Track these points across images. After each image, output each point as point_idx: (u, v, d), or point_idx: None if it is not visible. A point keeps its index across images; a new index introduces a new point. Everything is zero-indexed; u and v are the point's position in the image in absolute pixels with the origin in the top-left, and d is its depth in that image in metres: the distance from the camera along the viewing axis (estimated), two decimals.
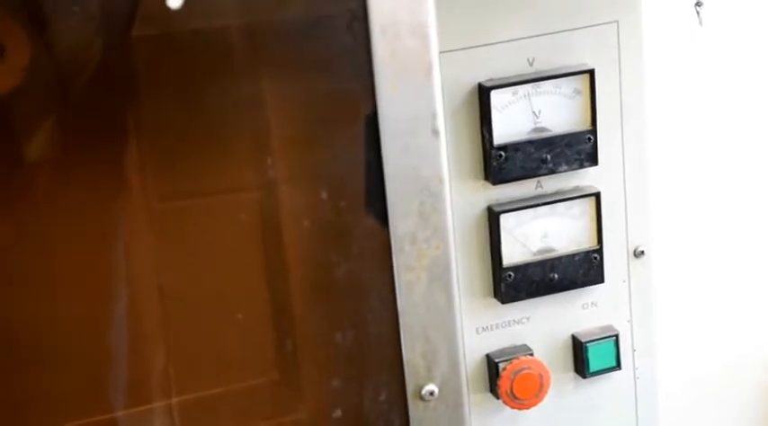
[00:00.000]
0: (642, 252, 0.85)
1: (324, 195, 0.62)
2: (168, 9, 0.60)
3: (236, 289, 0.69)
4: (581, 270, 0.83)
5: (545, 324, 0.83)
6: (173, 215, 0.69)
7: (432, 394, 0.65)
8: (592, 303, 0.84)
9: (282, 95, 0.63)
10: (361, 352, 0.64)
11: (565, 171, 0.80)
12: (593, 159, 0.81)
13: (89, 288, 0.73)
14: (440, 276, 0.63)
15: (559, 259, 0.82)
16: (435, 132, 0.62)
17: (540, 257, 0.81)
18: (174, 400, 0.73)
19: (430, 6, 0.60)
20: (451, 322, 0.64)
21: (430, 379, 0.65)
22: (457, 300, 0.64)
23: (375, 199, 0.61)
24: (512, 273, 0.80)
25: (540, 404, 0.83)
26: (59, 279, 0.72)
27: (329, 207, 0.62)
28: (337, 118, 0.62)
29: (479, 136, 0.78)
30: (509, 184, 0.79)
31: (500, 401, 0.82)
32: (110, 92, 0.67)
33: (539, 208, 0.80)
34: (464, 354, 0.80)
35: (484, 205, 0.80)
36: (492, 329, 0.82)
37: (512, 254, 0.80)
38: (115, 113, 0.68)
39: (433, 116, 0.62)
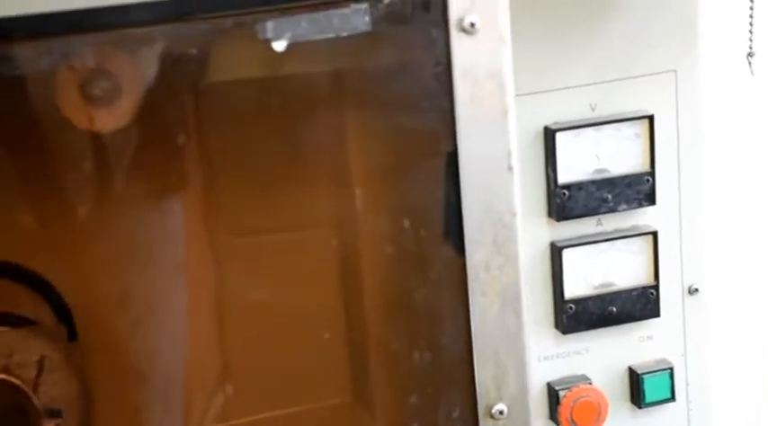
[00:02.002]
0: (696, 289, 0.89)
1: (406, 224, 0.67)
2: (267, 53, 0.66)
3: (320, 310, 0.74)
4: (638, 304, 0.87)
5: (603, 356, 0.87)
6: (264, 244, 0.75)
7: (501, 413, 0.69)
8: (648, 336, 0.88)
9: (370, 132, 0.69)
10: (437, 372, 0.69)
11: (624, 209, 0.85)
12: (651, 199, 0.85)
13: (174, 311, 0.78)
14: (511, 302, 0.68)
15: (618, 293, 0.86)
16: (510, 169, 0.67)
17: (599, 291, 0.86)
18: (256, 417, 0.78)
19: (507, 55, 0.65)
20: (520, 345, 0.69)
21: (499, 399, 0.69)
22: (526, 325, 0.69)
23: (452, 229, 0.66)
24: (573, 306, 0.85)
25: None
26: (141, 304, 0.77)
27: (411, 235, 0.68)
28: (420, 153, 0.67)
29: (545, 175, 0.83)
30: (571, 221, 0.84)
31: None
32: (201, 130, 0.73)
33: (599, 245, 0.85)
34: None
35: (548, 240, 0.85)
36: (553, 358, 0.86)
37: (573, 288, 0.85)
38: (207, 151, 0.74)
39: (508, 154, 0.67)
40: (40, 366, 0.63)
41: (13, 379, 0.62)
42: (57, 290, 0.74)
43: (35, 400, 0.62)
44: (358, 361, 0.75)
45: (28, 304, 0.70)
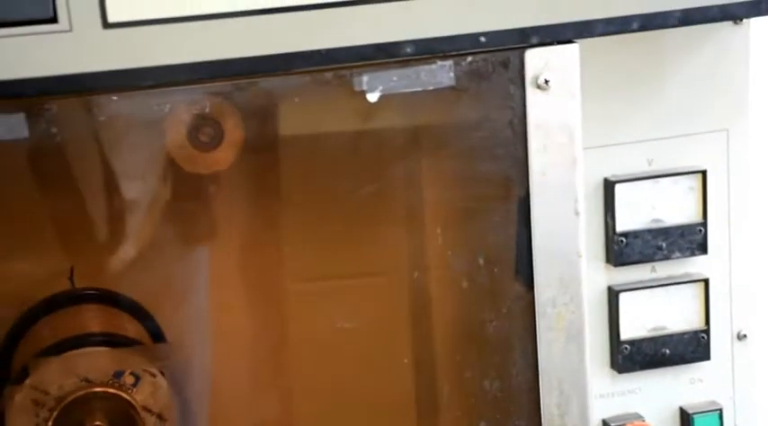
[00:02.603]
0: (745, 335, 0.94)
1: (481, 261, 0.74)
2: (356, 105, 0.73)
3: (392, 343, 0.80)
4: (690, 347, 0.92)
5: (656, 395, 0.92)
6: (340, 287, 0.81)
7: None
8: (698, 378, 0.93)
9: (448, 177, 0.75)
10: (505, 400, 0.75)
11: (678, 257, 0.90)
12: (703, 248, 0.91)
13: (247, 346, 0.84)
14: (575, 337, 0.74)
15: (671, 336, 0.91)
16: (577, 214, 0.73)
17: (653, 334, 0.91)
18: None
19: (577, 109, 0.72)
20: (583, 377, 0.74)
21: None
22: (588, 359, 0.74)
23: (523, 267, 0.73)
24: (628, 346, 0.90)
25: None
26: (221, 334, 0.83)
27: (485, 272, 0.74)
28: (495, 197, 0.73)
29: (604, 223, 0.89)
30: (628, 267, 0.90)
31: None
32: (287, 177, 0.80)
33: (654, 290, 0.91)
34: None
35: (605, 284, 0.90)
36: (609, 396, 0.92)
37: (629, 330, 0.90)
38: (291, 197, 0.80)
39: (576, 200, 0.73)
40: (138, 377, 0.69)
41: (122, 394, 0.68)
42: (151, 315, 0.81)
43: (142, 414, 0.68)
44: (429, 390, 0.81)
45: (131, 327, 0.77)
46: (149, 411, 0.70)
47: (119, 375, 0.70)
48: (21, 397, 0.66)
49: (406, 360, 0.77)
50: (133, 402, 0.68)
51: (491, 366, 0.75)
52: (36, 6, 0.60)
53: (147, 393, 0.69)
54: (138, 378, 0.70)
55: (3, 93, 0.60)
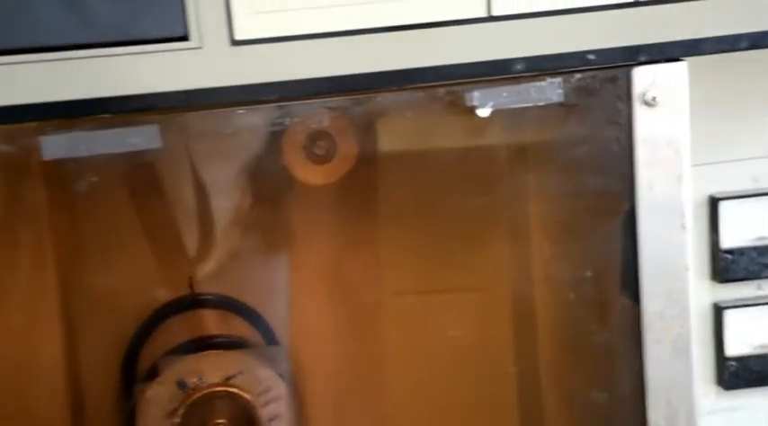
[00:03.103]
0: None
1: (588, 273, 0.75)
2: (466, 121, 0.75)
3: (495, 352, 0.82)
4: None
5: (762, 412, 0.92)
6: (444, 301, 0.83)
7: None
8: None
9: (556, 192, 0.77)
10: (612, 410, 0.76)
11: None
12: None
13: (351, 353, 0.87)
14: (682, 350, 0.75)
15: None
16: (683, 227, 0.74)
17: (759, 351, 0.91)
18: None
19: (685, 125, 0.73)
20: (689, 389, 0.75)
21: None
22: (695, 372, 0.75)
23: (629, 280, 0.74)
24: (734, 363, 0.90)
25: None
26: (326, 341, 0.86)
27: (592, 283, 0.75)
28: (601, 211, 0.75)
29: (709, 239, 0.90)
30: (733, 284, 0.90)
31: None
32: (394, 191, 0.82)
33: (760, 307, 0.91)
34: None
35: (710, 301, 0.91)
36: (714, 413, 0.92)
37: (734, 346, 0.90)
38: (396, 211, 0.83)
39: (682, 214, 0.74)
40: (264, 383, 0.72)
41: (243, 394, 0.71)
42: (265, 320, 0.85)
43: (260, 413, 0.72)
44: (533, 400, 0.82)
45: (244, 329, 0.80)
46: (267, 412, 0.72)
47: (240, 375, 0.73)
48: (152, 393, 0.70)
49: (511, 370, 0.79)
50: (253, 402, 0.71)
51: (597, 377, 0.76)
52: (169, 25, 0.64)
53: (266, 395, 0.72)
54: (258, 380, 0.73)
55: (138, 106, 0.64)
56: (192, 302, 0.82)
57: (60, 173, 0.72)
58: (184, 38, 0.65)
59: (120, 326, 0.80)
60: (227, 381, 0.71)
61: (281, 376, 0.73)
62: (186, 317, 0.82)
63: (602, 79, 0.72)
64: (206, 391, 0.70)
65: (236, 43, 0.65)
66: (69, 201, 0.74)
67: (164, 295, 0.80)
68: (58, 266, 0.77)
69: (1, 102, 0.62)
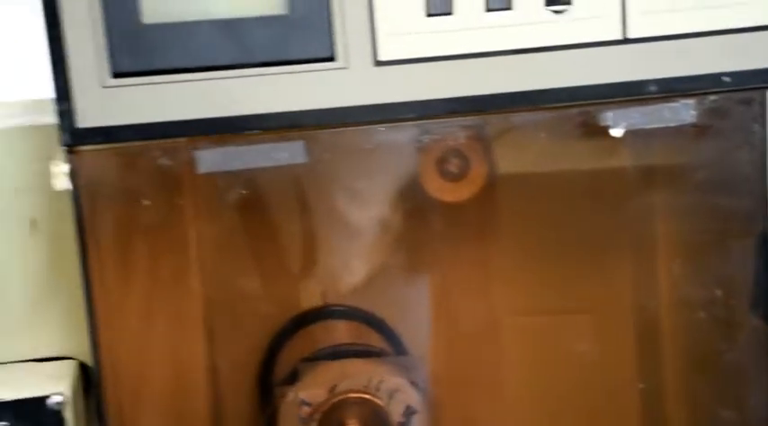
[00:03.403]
0: None
1: (718, 293, 0.76)
2: (598, 142, 0.77)
3: (629, 366, 0.83)
4: None
5: None
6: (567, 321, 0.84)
7: None
8: None
9: (686, 212, 0.78)
10: None
11: None
12: None
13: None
14: None
15: None
16: None
17: None
18: None
19: None
20: None
21: None
22: None
23: (761, 299, 0.74)
24: None
25: None
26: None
27: (721, 303, 0.76)
28: (732, 232, 0.76)
29: None
30: None
31: None
32: (522, 210, 0.84)
33: None
34: None
35: None
36: None
37: None
38: (521, 229, 0.84)
39: None
40: (395, 391, 0.75)
41: (377, 401, 0.74)
42: (394, 331, 0.87)
43: (394, 421, 0.74)
44: (661, 417, 0.83)
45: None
46: (401, 420, 0.75)
47: (374, 384, 0.76)
48: (292, 396, 0.73)
49: (641, 386, 0.80)
50: (387, 410, 0.74)
51: (726, 395, 0.76)
52: (318, 47, 0.67)
53: (400, 404, 0.75)
54: (393, 388, 0.75)
55: (286, 123, 0.68)
56: (326, 313, 0.85)
57: (208, 186, 0.76)
58: (331, 58, 0.68)
59: (258, 333, 0.84)
60: (363, 389, 0.74)
61: (415, 385, 0.76)
62: (318, 327, 0.86)
63: (737, 101, 0.72)
64: (342, 397, 0.73)
65: (379, 63, 0.68)
66: (215, 212, 0.78)
67: (299, 305, 0.84)
68: (203, 273, 0.81)
69: (160, 118, 0.66)
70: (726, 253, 0.76)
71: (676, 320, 0.80)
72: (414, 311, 0.86)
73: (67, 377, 0.75)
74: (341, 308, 0.87)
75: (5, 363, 0.77)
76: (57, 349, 0.78)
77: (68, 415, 0.73)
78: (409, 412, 0.75)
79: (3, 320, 0.76)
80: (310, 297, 0.85)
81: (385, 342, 0.86)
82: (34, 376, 0.76)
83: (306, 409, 0.73)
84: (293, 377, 0.76)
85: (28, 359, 0.78)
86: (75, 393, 0.75)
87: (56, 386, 0.74)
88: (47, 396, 0.73)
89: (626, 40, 0.70)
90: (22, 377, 0.76)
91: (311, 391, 0.73)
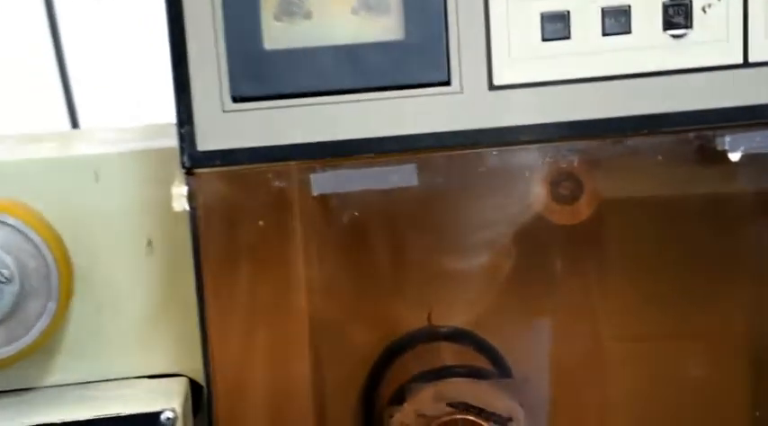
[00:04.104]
0: None
1: None
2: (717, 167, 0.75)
3: (742, 394, 0.81)
4: None
5: None
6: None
7: None
8: None
9: None
10: None
11: None
12: None
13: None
14: None
15: None
16: None
17: None
18: None
19: None
20: None
21: None
22: None
23: None
24: None
25: None
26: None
27: None
28: None
29: None
30: None
31: None
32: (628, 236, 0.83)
33: None
34: None
35: None
36: None
37: None
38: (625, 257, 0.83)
39: None
40: (508, 417, 0.75)
41: (483, 423, 0.74)
42: (501, 355, 0.87)
43: None
44: None
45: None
46: None
47: (481, 411, 0.76)
48: (400, 416, 0.74)
49: (757, 413, 0.78)
50: None
51: None
52: (435, 72, 0.67)
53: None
54: (500, 418, 0.75)
55: (401, 146, 0.68)
56: (430, 334, 0.85)
57: (318, 208, 0.77)
58: (446, 83, 0.68)
59: (363, 355, 0.85)
60: (471, 412, 0.74)
61: (522, 407, 0.75)
62: (423, 350, 0.86)
63: None
64: (447, 419, 0.73)
65: (494, 88, 0.68)
66: (325, 234, 0.79)
67: (406, 326, 0.84)
68: (309, 292, 0.81)
69: (277, 142, 0.67)
70: None
71: None
72: (522, 335, 0.86)
73: (179, 393, 0.77)
74: (447, 330, 0.87)
75: (121, 379, 0.79)
76: (169, 366, 0.80)
77: None
78: None
79: (119, 337, 0.78)
80: (417, 320, 0.85)
81: (491, 365, 0.86)
82: (148, 391, 0.77)
83: (420, 420, 0.73)
84: (400, 397, 0.76)
85: (142, 375, 0.79)
86: (185, 409, 0.77)
87: (168, 402, 0.75)
88: (160, 412, 0.74)
89: (747, 64, 0.69)
90: (136, 393, 0.77)
91: (419, 410, 0.74)
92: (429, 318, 0.87)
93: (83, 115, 1.42)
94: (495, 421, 0.73)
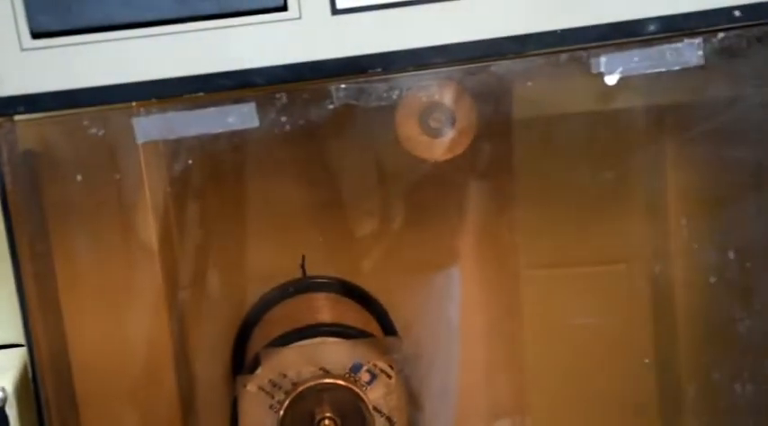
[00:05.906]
0: None
1: (731, 255, 0.68)
2: (594, 88, 0.69)
3: (630, 339, 0.76)
4: None
5: None
6: (575, 275, 0.77)
7: None
8: None
9: (694, 164, 0.70)
10: (760, 404, 0.69)
11: None
12: None
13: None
14: None
15: None
16: None
17: None
18: None
19: None
20: None
21: None
22: None
23: None
24: None
25: None
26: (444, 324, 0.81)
27: (735, 266, 0.68)
28: (747, 186, 0.68)
29: None
30: None
31: None
32: (521, 162, 0.76)
33: None
34: None
35: None
36: None
37: None
38: (523, 182, 0.77)
39: None
40: (374, 375, 0.68)
41: (355, 389, 0.67)
42: (383, 307, 0.80)
43: (370, 407, 0.67)
44: (673, 391, 0.76)
45: (360, 318, 0.76)
46: (379, 411, 0.68)
47: (356, 369, 0.69)
48: (252, 387, 0.66)
49: (647, 360, 0.73)
50: (365, 399, 0.67)
51: (743, 367, 0.69)
52: None
53: (380, 393, 0.68)
54: (373, 377, 0.69)
55: (235, 82, 0.60)
56: (305, 286, 0.78)
57: (156, 156, 0.69)
58: (282, 8, 0.60)
59: (229, 315, 0.77)
60: (341, 374, 0.67)
61: (393, 367, 0.69)
62: (301, 302, 0.79)
63: (750, 38, 0.64)
64: (311, 384, 0.66)
65: (337, 11, 0.60)
66: (167, 185, 0.71)
67: (274, 279, 0.77)
68: (165, 252, 0.74)
69: (90, 83, 0.58)
70: (739, 210, 0.68)
71: (689, 285, 0.72)
72: (404, 281, 0.79)
73: (11, 367, 0.68)
74: (321, 280, 0.80)
75: None
76: (7, 336, 0.72)
77: (12, 412, 0.66)
78: (388, 395, 0.68)
79: None
80: (286, 271, 0.78)
81: (373, 318, 0.79)
82: None
83: (267, 398, 0.66)
84: (255, 365, 0.69)
85: None
86: (21, 381, 0.68)
87: None
88: None
89: None
90: None
91: (279, 374, 0.66)
92: (302, 266, 0.80)
93: None
94: (360, 387, 0.66)
